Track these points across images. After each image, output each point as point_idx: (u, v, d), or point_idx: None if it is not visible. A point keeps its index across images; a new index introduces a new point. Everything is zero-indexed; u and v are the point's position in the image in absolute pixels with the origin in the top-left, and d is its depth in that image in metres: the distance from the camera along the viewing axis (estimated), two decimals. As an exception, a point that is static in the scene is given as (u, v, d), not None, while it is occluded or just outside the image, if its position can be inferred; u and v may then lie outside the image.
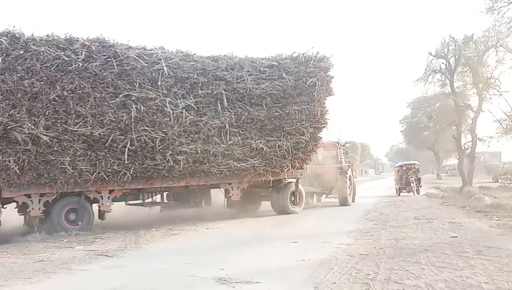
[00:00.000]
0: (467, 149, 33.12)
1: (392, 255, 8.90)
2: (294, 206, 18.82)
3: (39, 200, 13.61)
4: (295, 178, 18.70)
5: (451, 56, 31.35)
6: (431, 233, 11.77)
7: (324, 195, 23.66)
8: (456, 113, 32.51)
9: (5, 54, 12.49)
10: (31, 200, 13.49)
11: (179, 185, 15.83)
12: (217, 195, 18.38)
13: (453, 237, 10.89)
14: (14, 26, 13.00)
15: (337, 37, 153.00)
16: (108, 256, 10.10)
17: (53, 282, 7.83)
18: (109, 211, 14.89)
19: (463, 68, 31.25)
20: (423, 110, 54.34)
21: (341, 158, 23.28)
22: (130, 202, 16.09)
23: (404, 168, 32.14)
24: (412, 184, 30.26)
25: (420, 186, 31.16)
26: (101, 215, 14.95)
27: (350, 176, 22.56)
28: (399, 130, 62.88)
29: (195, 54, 15.47)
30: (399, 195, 29.81)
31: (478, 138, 30.64)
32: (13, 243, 12.34)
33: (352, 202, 22.70)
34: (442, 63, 32.06)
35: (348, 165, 23.01)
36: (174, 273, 8.14)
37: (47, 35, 13.34)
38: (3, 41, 12.63)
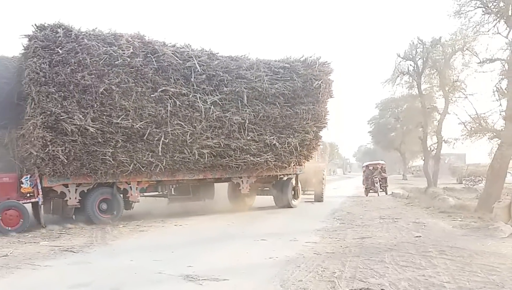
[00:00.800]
0: (433, 150, 33.71)
1: (357, 254, 9.02)
2: (294, 200, 20.24)
3: (76, 189, 14.37)
4: (295, 173, 19.87)
5: (419, 58, 31.86)
6: (396, 232, 11.96)
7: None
8: (422, 115, 33.08)
9: (60, 47, 13.17)
10: (69, 190, 14.24)
11: (198, 177, 16.80)
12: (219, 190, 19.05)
13: (417, 236, 11.08)
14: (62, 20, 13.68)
15: (307, 37, 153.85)
16: (73, 252, 9.97)
17: (16, 278, 7.70)
18: (138, 202, 15.87)
19: (430, 71, 31.79)
20: (390, 111, 55.05)
21: (317, 158, 23.77)
22: (147, 193, 16.82)
23: (370, 168, 31.73)
24: (376, 185, 29.78)
25: (387, 186, 30.86)
26: (129, 205, 15.89)
27: (324, 174, 24.05)
28: (367, 130, 63.69)
29: (218, 53, 16.68)
30: (367, 195, 29.33)
31: (444, 140, 31.16)
32: None
33: (319, 201, 23.42)
34: (410, 65, 32.59)
35: (323, 165, 24.11)
36: (141, 269, 8.09)
37: (93, 30, 14.21)
38: (60, 31, 13.35)
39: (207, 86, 15.92)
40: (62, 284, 7.16)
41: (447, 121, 31.15)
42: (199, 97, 15.61)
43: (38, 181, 13.60)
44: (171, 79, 15.12)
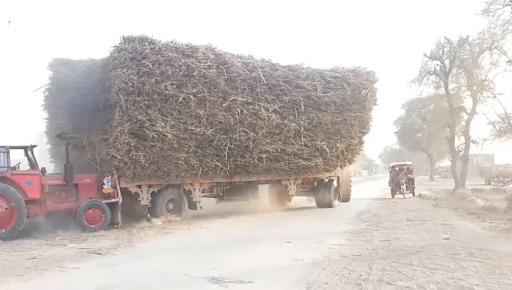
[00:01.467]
0: (460, 151, 33.19)
1: (384, 256, 8.92)
2: (336, 200, 21.85)
3: (148, 190, 15.75)
4: (336, 176, 21.47)
5: (446, 58, 31.40)
6: (424, 234, 11.80)
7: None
8: (450, 115, 32.59)
9: (146, 58, 14.42)
10: (141, 190, 15.62)
11: (252, 179, 18.24)
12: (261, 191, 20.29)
13: (445, 239, 10.92)
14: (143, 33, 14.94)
15: (332, 36, 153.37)
16: (100, 254, 10.09)
17: (45, 280, 7.82)
18: (200, 202, 17.15)
19: (458, 70, 31.31)
20: (417, 112, 54.36)
21: None
22: (203, 194, 17.84)
23: (397, 168, 30.08)
24: (402, 186, 28.05)
25: (414, 187, 29.49)
26: (193, 205, 17.19)
27: (350, 176, 25.09)
28: (393, 131, 63.03)
29: (277, 63, 18.05)
30: (393, 197, 27.97)
31: (472, 140, 30.67)
32: (5, 240, 12.36)
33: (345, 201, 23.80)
34: (437, 64, 32.12)
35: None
36: (167, 272, 8.14)
37: (172, 41, 15.38)
38: (146, 44, 14.64)
39: (269, 96, 17.26)
40: (89, 286, 7.25)
41: (475, 121, 30.64)
42: (262, 106, 16.94)
43: (117, 182, 14.63)
44: (239, 89, 16.40)
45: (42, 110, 18.19)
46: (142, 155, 14.57)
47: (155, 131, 14.58)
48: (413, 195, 28.44)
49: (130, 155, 14.44)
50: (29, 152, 13.76)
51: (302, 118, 18.12)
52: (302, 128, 18.12)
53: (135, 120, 14.35)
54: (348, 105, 19.47)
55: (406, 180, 28.69)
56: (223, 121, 16.05)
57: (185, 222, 15.80)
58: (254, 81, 16.80)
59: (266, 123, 17.03)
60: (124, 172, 14.69)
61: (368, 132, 21.13)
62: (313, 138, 18.66)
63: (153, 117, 14.58)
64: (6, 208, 12.69)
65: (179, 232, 13.63)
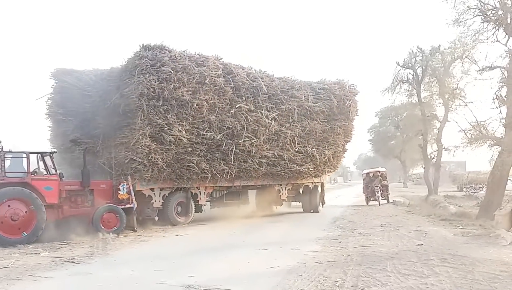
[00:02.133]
0: (433, 158, 33.66)
1: (359, 262, 9.01)
2: (321, 205, 23.24)
3: (160, 193, 16.51)
4: (320, 182, 23.01)
5: (418, 67, 31.86)
6: (397, 240, 11.95)
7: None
8: (422, 123, 33.06)
9: (165, 65, 15.20)
10: (154, 193, 16.36)
11: (250, 184, 19.22)
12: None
13: (418, 245, 11.08)
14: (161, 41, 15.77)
15: (305, 45, 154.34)
16: (74, 263, 9.94)
17: (18, 289, 7.68)
18: (205, 205, 18.18)
19: (430, 79, 31.79)
20: (390, 120, 54.91)
21: None
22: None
23: (371, 175, 29.17)
24: (377, 193, 27.03)
25: (388, 194, 28.85)
26: (199, 208, 18.07)
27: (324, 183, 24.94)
28: (367, 139, 63.48)
29: (273, 74, 19.41)
30: (367, 203, 27.58)
31: (444, 148, 31.11)
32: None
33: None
34: (410, 73, 32.57)
35: None
36: (143, 280, 8.08)
37: (185, 51, 16.23)
38: (166, 52, 15.49)
39: (268, 104, 18.47)
40: (63, 295, 7.14)
41: (447, 128, 31.11)
42: (263, 113, 18.09)
43: (132, 188, 15.00)
44: (243, 97, 17.54)
45: (46, 118, 18.44)
46: (161, 158, 15.37)
47: (172, 135, 15.43)
48: (388, 201, 28.05)
49: (149, 158, 15.20)
50: (47, 158, 13.93)
51: (296, 125, 19.43)
52: (297, 135, 19.43)
53: (155, 124, 15.19)
54: (334, 115, 21.02)
55: (381, 187, 27.90)
56: (231, 126, 17.05)
57: (161, 230, 15.70)
58: (256, 90, 17.96)
59: (267, 130, 18.21)
60: (142, 174, 15.41)
61: (350, 141, 22.95)
62: (305, 145, 19.96)
63: (171, 122, 15.43)
64: (26, 212, 12.85)
65: (155, 240, 13.53)
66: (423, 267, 8.42)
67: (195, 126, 16.15)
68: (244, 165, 17.80)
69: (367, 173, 30.16)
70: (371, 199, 27.83)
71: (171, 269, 8.97)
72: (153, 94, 14.96)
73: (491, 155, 19.32)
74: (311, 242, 12.08)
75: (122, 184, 15.04)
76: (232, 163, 17.18)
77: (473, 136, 20.13)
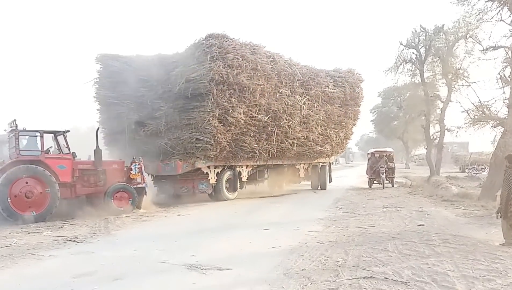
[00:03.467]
0: (436, 139, 33.61)
1: (360, 243, 9.03)
2: (329, 183, 25.31)
3: (214, 170, 18.17)
4: (329, 162, 25.40)
5: (422, 46, 31.64)
6: (399, 221, 11.97)
7: None
8: (425, 103, 32.95)
9: (229, 53, 16.84)
10: (210, 171, 17.98)
11: (277, 163, 20.99)
12: None
13: (420, 225, 11.10)
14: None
15: (310, 24, 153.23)
16: (77, 242, 10.00)
17: (21, 268, 7.73)
18: (246, 182, 19.82)
19: (433, 59, 31.59)
20: (393, 100, 54.77)
21: None
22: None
23: (376, 155, 26.91)
24: (382, 175, 25.05)
25: (394, 177, 26.67)
26: (242, 184, 19.68)
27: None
28: (369, 119, 63.34)
29: (299, 63, 21.25)
30: (370, 186, 25.71)
31: (447, 128, 31.04)
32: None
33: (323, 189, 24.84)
34: (413, 53, 32.38)
35: None
36: (145, 259, 8.11)
37: (238, 39, 17.80)
38: (230, 41, 17.15)
39: (300, 89, 20.36)
40: (65, 274, 7.17)
41: (450, 109, 31.08)
42: (297, 98, 19.99)
43: (143, 168, 15.50)
44: (283, 83, 19.34)
45: (94, 101, 19.79)
46: (223, 137, 17.01)
47: (233, 117, 17.09)
48: (392, 185, 25.91)
49: (216, 138, 16.80)
50: (60, 137, 14.15)
51: (320, 110, 21.59)
52: (320, 119, 21.65)
53: (222, 106, 16.80)
54: (347, 100, 23.42)
55: (386, 169, 25.68)
56: (275, 109, 18.82)
57: (163, 210, 15.76)
58: (292, 77, 19.85)
59: (300, 113, 20.16)
60: (207, 153, 17.08)
61: (356, 125, 25.64)
62: (326, 127, 22.22)
63: (233, 105, 17.06)
64: (41, 193, 13.16)
65: (157, 220, 13.58)
66: (424, 247, 8.43)
67: (249, 108, 17.77)
68: (281, 146, 19.67)
69: (373, 153, 27.74)
70: (375, 181, 26.03)
71: (173, 249, 9.01)
72: (221, 79, 16.53)
73: (494, 135, 19.29)
74: (312, 222, 12.11)
75: (133, 164, 15.30)
76: (273, 143, 19.13)
77: (476, 117, 20.08)
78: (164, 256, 8.17)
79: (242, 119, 17.46)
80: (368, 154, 29.51)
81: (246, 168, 19.74)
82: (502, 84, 17.59)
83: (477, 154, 41.90)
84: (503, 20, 17.84)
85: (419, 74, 32.46)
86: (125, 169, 15.44)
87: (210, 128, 16.63)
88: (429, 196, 18.68)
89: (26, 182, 13.01)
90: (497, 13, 17.87)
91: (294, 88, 19.96)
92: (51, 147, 14.21)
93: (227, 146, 17.46)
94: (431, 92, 32.71)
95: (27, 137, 13.90)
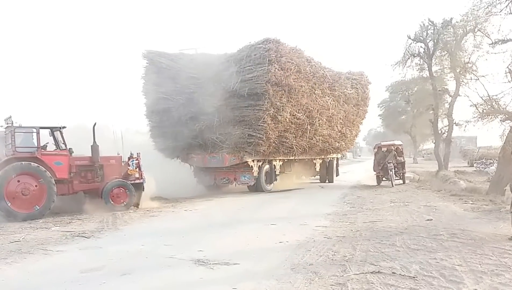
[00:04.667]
0: (444, 133, 33.38)
1: (368, 238, 9.01)
2: (336, 176, 27.19)
3: (257, 164, 19.69)
4: (336, 157, 26.99)
5: (430, 40, 31.34)
6: (407, 216, 11.93)
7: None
8: (433, 97, 32.68)
9: (283, 57, 18.49)
10: (254, 164, 19.53)
11: (302, 158, 22.69)
12: None
13: (428, 220, 11.06)
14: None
15: (317, 19, 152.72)
16: (85, 237, 10.04)
17: (29, 263, 7.78)
18: (278, 175, 21.41)
19: (441, 52, 31.29)
20: (401, 94, 54.40)
21: None
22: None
23: (384, 150, 24.37)
24: (390, 172, 22.44)
25: (404, 172, 24.38)
26: (275, 177, 21.22)
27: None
28: (377, 113, 63.02)
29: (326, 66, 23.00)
30: (379, 184, 23.32)
31: (455, 123, 30.78)
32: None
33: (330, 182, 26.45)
34: (421, 47, 32.05)
35: None
36: (152, 254, 8.14)
37: (287, 44, 19.26)
38: (283, 45, 18.73)
39: (328, 90, 22.21)
40: (74, 269, 7.21)
41: (458, 103, 30.69)
42: (326, 99, 21.85)
43: (141, 163, 15.33)
44: (317, 85, 21.05)
45: (142, 95, 21.20)
46: (274, 134, 18.72)
47: (281, 115, 18.72)
48: (403, 182, 23.76)
49: (267, 134, 18.40)
50: (57, 133, 14.07)
51: (341, 109, 23.46)
52: (340, 118, 23.53)
53: (275, 106, 18.45)
54: (359, 101, 25.35)
55: (395, 164, 23.22)
56: (310, 109, 20.47)
57: (170, 205, 15.80)
58: (323, 79, 21.63)
59: (327, 112, 22.00)
60: (257, 148, 18.68)
61: (362, 123, 27.75)
62: (343, 125, 24.15)
63: (284, 104, 18.74)
64: (36, 186, 13.10)
65: (164, 215, 13.61)
66: (432, 242, 8.40)
67: (293, 108, 19.39)
68: (310, 142, 21.34)
69: (380, 147, 25.03)
70: (383, 178, 23.35)
71: (181, 244, 9.03)
72: (275, 80, 18.12)
73: (503, 130, 19.06)
74: (319, 217, 12.10)
75: (131, 159, 15.15)
76: (306, 139, 20.87)
77: (484, 111, 19.88)
78: (172, 251, 8.19)
79: (288, 118, 19.13)
80: (374, 148, 26.63)
81: (279, 162, 21.36)
82: (511, 77, 17.41)
83: (485, 149, 41.69)
84: (512, 13, 17.65)
85: (427, 68, 32.16)
86: (123, 164, 15.33)
87: (263, 125, 18.27)
88: (437, 191, 18.61)
89: (18, 181, 12.91)
90: (506, 6, 17.66)
91: (324, 89, 21.74)
92: (47, 143, 14.08)
93: (273, 142, 19.09)
94: (439, 86, 32.43)
95: (23, 133, 13.63)
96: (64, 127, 14.32)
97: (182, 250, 8.28)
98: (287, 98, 18.92)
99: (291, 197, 18.39)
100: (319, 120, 21.31)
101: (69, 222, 12.25)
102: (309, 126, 20.69)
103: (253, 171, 19.51)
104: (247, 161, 19.14)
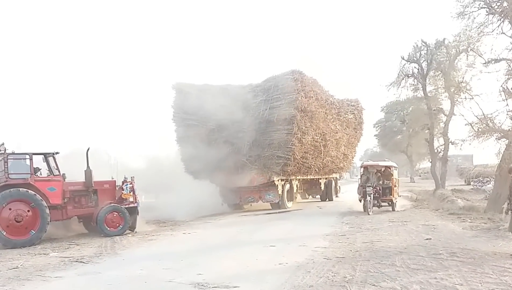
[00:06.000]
0: (440, 152, 33.48)
1: (368, 258, 9.00)
2: (336, 195, 28.94)
3: (280, 183, 21.40)
4: (335, 177, 28.70)
5: (423, 61, 31.65)
6: (406, 235, 11.92)
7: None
8: (428, 117, 32.86)
9: (306, 86, 21.31)
10: (279, 183, 21.28)
11: (313, 177, 24.74)
12: None
13: (427, 239, 11.05)
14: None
15: (308, 39, 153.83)
16: (83, 262, 9.99)
17: (28, 290, 7.72)
18: (296, 193, 23.84)
19: (435, 72, 31.57)
20: (396, 114, 54.81)
21: None
22: None
23: (373, 171, 20.34)
24: (368, 197, 18.62)
25: (393, 199, 19.82)
26: (295, 195, 24.15)
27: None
28: (373, 134, 63.19)
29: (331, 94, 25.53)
30: (365, 210, 18.83)
31: (451, 142, 30.90)
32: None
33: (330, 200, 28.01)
34: (415, 67, 32.34)
35: None
36: (151, 278, 8.10)
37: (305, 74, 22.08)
38: (305, 77, 21.57)
39: (336, 115, 24.71)
40: (72, 295, 7.15)
41: (453, 122, 30.87)
42: (336, 122, 24.45)
43: (135, 187, 15.20)
44: (329, 110, 23.60)
45: (172, 121, 23.55)
46: (300, 156, 20.85)
47: (304, 138, 20.95)
48: (393, 209, 19.61)
49: (293, 156, 20.52)
50: (50, 159, 13.96)
51: (344, 133, 25.61)
52: (344, 140, 25.62)
53: (301, 129, 20.65)
54: (356, 125, 27.50)
55: (379, 188, 19.49)
56: (324, 132, 22.71)
57: (169, 228, 15.74)
58: (331, 105, 24.10)
59: (336, 135, 24.16)
60: (285, 168, 20.74)
61: (358, 146, 29.89)
62: (346, 147, 26.23)
63: (307, 128, 21.05)
64: (28, 211, 12.96)
65: (163, 239, 13.56)
66: (432, 261, 8.40)
67: (313, 131, 21.64)
68: (323, 162, 23.39)
69: (366, 167, 20.67)
70: (375, 204, 19.35)
71: (180, 267, 8.99)
72: (302, 107, 20.53)
73: (499, 148, 19.15)
74: (318, 238, 12.07)
75: (125, 183, 15.02)
76: (320, 160, 22.96)
77: (480, 129, 19.98)
78: (171, 275, 8.15)
79: (309, 140, 21.31)
80: (361, 166, 22.19)
81: (295, 181, 23.43)
82: (505, 96, 17.53)
83: (482, 167, 41.71)
84: (504, 33, 17.86)
85: (421, 88, 32.41)
86: (117, 188, 15.17)
87: (292, 147, 20.44)
88: (435, 210, 18.63)
89: (10, 209, 12.75)
90: (498, 26, 17.90)
91: (333, 115, 24.13)
92: (40, 169, 13.95)
93: (297, 163, 21.02)
94: (434, 105, 32.64)
95: (16, 160, 13.44)
96: (57, 153, 14.23)
97: (181, 274, 8.24)
98: (310, 123, 21.23)
99: (289, 218, 18.35)
100: (330, 143, 23.47)
101: (67, 248, 12.18)
102: (323, 148, 22.75)
103: (278, 189, 21.11)
104: (273, 181, 20.81)
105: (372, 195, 18.88)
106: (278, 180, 20.89)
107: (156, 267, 9.07)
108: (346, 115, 26.23)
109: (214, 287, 7.18)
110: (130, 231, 14.75)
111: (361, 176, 20.56)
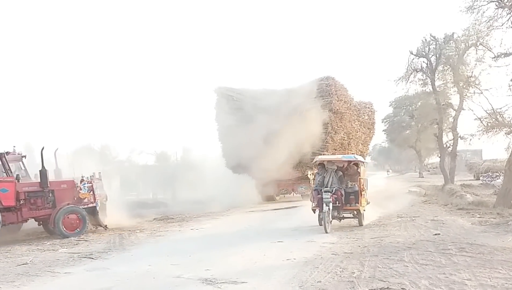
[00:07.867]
0: (449, 147, 33.29)
1: (376, 253, 8.97)
2: None
3: (312, 177, 21.52)
4: None
5: (432, 55, 31.43)
6: (414, 231, 11.88)
7: None
8: (437, 112, 32.68)
9: (338, 90, 24.68)
10: (311, 177, 20.56)
11: None
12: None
13: (436, 234, 11.00)
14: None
15: (316, 35, 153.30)
16: (92, 258, 10.05)
17: (37, 286, 7.78)
18: None
19: (444, 67, 31.37)
20: (405, 109, 54.39)
21: None
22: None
23: (334, 167, 14.44)
24: (326, 207, 12.85)
25: (359, 208, 13.84)
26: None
27: None
28: (381, 129, 62.85)
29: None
30: (321, 224, 13.12)
31: (460, 136, 30.74)
32: None
33: None
34: (423, 62, 32.11)
35: None
36: (159, 274, 8.12)
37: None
38: (335, 82, 24.69)
39: (356, 116, 26.82)
40: (81, 291, 7.19)
41: (462, 117, 30.65)
42: (357, 122, 26.69)
43: (94, 186, 14.53)
44: (351, 111, 26.05)
45: (215, 123, 26.06)
46: (330, 152, 22.77)
47: (335, 136, 23.72)
48: (360, 223, 13.89)
49: (326, 153, 22.17)
50: (3, 159, 13.45)
51: (362, 132, 27.45)
52: (362, 139, 27.47)
53: (334, 129, 23.56)
54: (369, 125, 29.05)
55: (341, 194, 13.69)
56: (349, 131, 25.20)
57: (177, 224, 15.78)
58: (353, 106, 26.37)
59: (356, 134, 26.26)
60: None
61: (369, 144, 31.84)
62: (362, 145, 27.87)
63: (338, 127, 23.98)
64: None
65: (171, 235, 13.60)
66: (441, 256, 8.36)
67: (342, 130, 24.22)
68: None
69: (321, 164, 14.92)
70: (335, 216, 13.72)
71: (188, 263, 9.01)
72: (335, 109, 23.46)
73: (508, 142, 19.07)
74: (326, 234, 12.05)
75: (83, 182, 14.45)
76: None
77: (489, 124, 19.90)
78: (179, 271, 8.17)
79: (339, 138, 23.59)
80: (314, 163, 16.20)
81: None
82: (515, 90, 17.44)
83: (491, 162, 41.42)
84: (513, 27, 17.73)
85: (430, 83, 32.20)
86: (76, 188, 14.53)
87: (326, 145, 22.97)
88: (444, 205, 18.52)
89: None
90: (508, 20, 17.76)
91: (355, 115, 26.22)
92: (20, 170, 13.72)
93: None
94: (443, 100, 32.43)
95: None
96: (8, 153, 13.88)
97: (189, 269, 8.26)
98: (340, 123, 23.93)
99: (297, 213, 18.31)
100: (353, 141, 25.65)
101: (76, 244, 12.26)
102: (347, 145, 24.84)
103: (310, 182, 20.78)
104: (306, 174, 21.07)
105: (331, 204, 13.07)
106: (310, 174, 21.24)
107: (164, 263, 9.10)
108: (364, 116, 28.26)
109: (222, 282, 7.19)
110: (103, 228, 14.47)
111: (315, 176, 15.05)
